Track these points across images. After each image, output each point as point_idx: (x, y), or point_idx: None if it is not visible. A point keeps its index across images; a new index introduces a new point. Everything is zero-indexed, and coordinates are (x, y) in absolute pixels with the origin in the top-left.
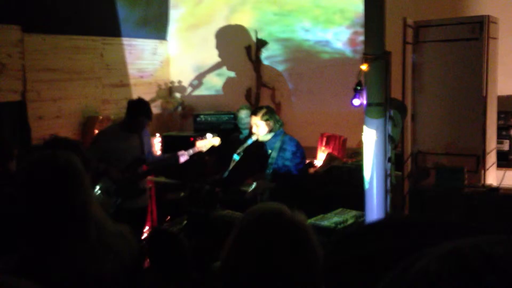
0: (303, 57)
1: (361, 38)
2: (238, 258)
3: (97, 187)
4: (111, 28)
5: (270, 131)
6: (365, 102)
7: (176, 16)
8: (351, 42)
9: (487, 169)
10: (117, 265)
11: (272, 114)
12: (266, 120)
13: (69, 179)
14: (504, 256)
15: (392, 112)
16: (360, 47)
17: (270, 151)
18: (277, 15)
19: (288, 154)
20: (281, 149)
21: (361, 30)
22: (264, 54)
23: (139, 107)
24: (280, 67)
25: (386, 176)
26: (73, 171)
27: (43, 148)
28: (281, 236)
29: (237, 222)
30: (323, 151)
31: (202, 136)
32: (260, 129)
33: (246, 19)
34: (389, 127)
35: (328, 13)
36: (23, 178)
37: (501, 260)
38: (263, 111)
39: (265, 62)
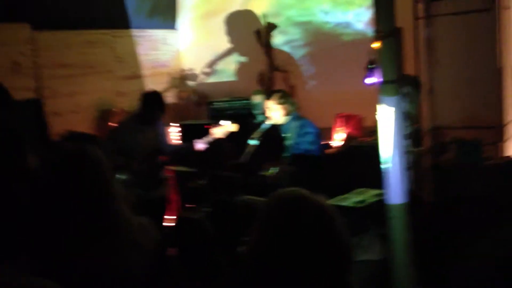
0: (324, 40)
1: None
2: (265, 243)
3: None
4: (120, 20)
5: (286, 115)
6: (378, 80)
7: (186, 4)
8: (373, 22)
9: (506, 141)
10: (143, 258)
11: (287, 97)
12: (282, 104)
13: (99, 173)
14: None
15: (407, 89)
16: None
17: (286, 134)
18: None
19: (306, 137)
20: (299, 132)
21: None
22: (283, 38)
23: (153, 100)
24: (300, 51)
25: (404, 153)
26: (102, 164)
27: (62, 143)
28: (306, 220)
29: (262, 207)
30: (340, 131)
31: (216, 123)
32: (276, 113)
33: (263, 4)
34: (405, 104)
35: None
36: (50, 173)
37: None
38: (279, 95)
39: (285, 47)
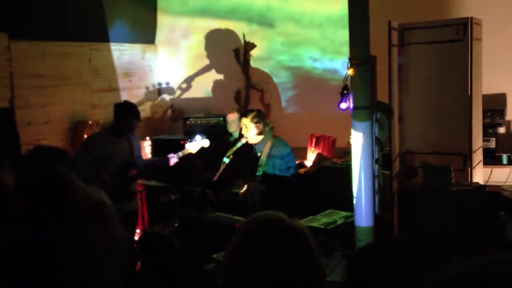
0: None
1: None
2: (241, 264)
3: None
4: (98, 34)
5: (259, 134)
6: (351, 105)
7: (166, 19)
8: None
9: (474, 167)
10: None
11: (262, 117)
12: (256, 123)
13: (65, 194)
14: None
15: (378, 115)
16: None
17: (259, 153)
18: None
19: (277, 157)
20: (271, 152)
21: None
22: (275, 80)
23: (125, 109)
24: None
25: (373, 177)
26: (66, 184)
27: (28, 158)
28: (282, 242)
29: (238, 229)
30: (312, 152)
31: (191, 138)
32: (250, 131)
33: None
34: (376, 130)
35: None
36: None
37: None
38: (253, 113)
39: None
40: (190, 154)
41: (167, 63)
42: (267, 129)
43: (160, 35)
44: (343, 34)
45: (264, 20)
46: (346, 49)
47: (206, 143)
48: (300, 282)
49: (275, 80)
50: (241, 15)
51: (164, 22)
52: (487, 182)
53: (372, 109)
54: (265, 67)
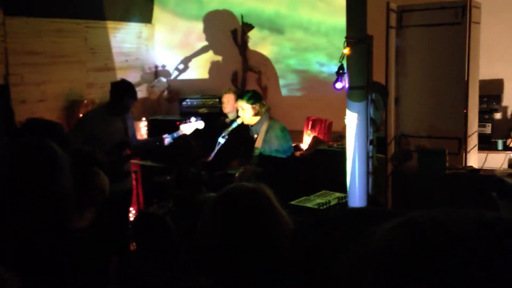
0: (319, 85)
1: None
2: (206, 230)
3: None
4: (95, 12)
5: (256, 115)
6: (347, 85)
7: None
8: None
9: (469, 152)
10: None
11: (258, 98)
12: (252, 104)
13: (52, 168)
14: (455, 220)
15: (374, 95)
16: None
17: (255, 135)
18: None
19: (274, 139)
20: (267, 134)
21: None
22: (282, 82)
23: (123, 88)
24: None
25: (367, 158)
26: (56, 159)
27: (21, 131)
28: (241, 204)
29: (206, 205)
30: (308, 135)
31: (186, 119)
32: (246, 112)
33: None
34: (371, 110)
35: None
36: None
37: (451, 223)
38: (249, 94)
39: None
40: (184, 135)
41: (165, 44)
42: (263, 110)
43: (157, 14)
44: None
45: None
46: None
47: (200, 125)
48: (262, 242)
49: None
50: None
51: (162, 1)
52: (482, 167)
53: (368, 90)
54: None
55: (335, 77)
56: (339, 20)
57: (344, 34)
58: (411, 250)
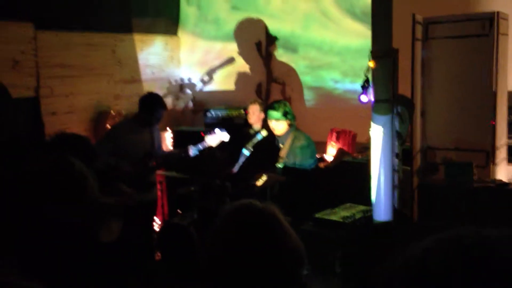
0: (334, 101)
1: None
2: (216, 249)
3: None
4: (123, 25)
5: (289, 126)
6: (372, 99)
7: (189, 11)
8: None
9: (497, 164)
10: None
11: (290, 109)
12: (288, 119)
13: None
14: (499, 238)
15: (399, 109)
16: None
17: (281, 145)
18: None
19: (298, 150)
20: (293, 145)
21: None
22: (295, 96)
23: (154, 100)
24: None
25: (393, 171)
26: (78, 176)
27: (50, 145)
28: (249, 225)
29: (217, 218)
30: (333, 146)
31: (211, 131)
32: (279, 126)
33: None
34: (397, 123)
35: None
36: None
37: (496, 241)
38: (286, 109)
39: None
40: (210, 147)
41: (190, 55)
42: (292, 121)
43: (183, 26)
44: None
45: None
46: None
47: (225, 137)
48: (272, 264)
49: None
50: None
51: (188, 13)
52: (511, 180)
53: (393, 103)
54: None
55: (349, 93)
56: (352, 41)
57: (357, 54)
58: (453, 262)
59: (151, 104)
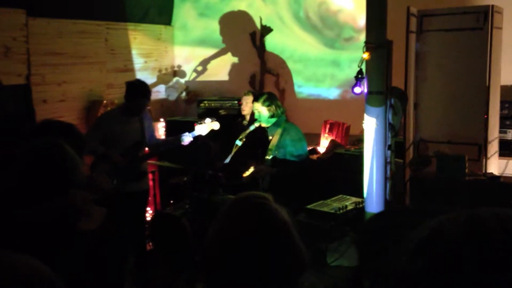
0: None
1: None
2: (220, 247)
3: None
4: (115, 13)
5: (272, 117)
6: (365, 90)
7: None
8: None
9: (489, 158)
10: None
11: (273, 100)
12: (267, 106)
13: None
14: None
15: (392, 101)
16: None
17: (270, 137)
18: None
19: (289, 142)
20: (282, 136)
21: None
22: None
23: (136, 89)
24: None
25: (385, 163)
26: (67, 159)
27: (37, 132)
28: (260, 229)
29: (224, 210)
30: (326, 138)
31: (201, 120)
32: (261, 114)
33: None
34: (390, 115)
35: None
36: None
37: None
38: (264, 96)
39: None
40: (201, 136)
41: (184, 45)
42: (279, 112)
43: (177, 16)
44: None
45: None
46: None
47: (216, 125)
48: (276, 269)
49: None
50: None
51: (182, 3)
52: (502, 173)
53: (387, 95)
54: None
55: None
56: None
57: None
58: (468, 234)
59: (133, 92)
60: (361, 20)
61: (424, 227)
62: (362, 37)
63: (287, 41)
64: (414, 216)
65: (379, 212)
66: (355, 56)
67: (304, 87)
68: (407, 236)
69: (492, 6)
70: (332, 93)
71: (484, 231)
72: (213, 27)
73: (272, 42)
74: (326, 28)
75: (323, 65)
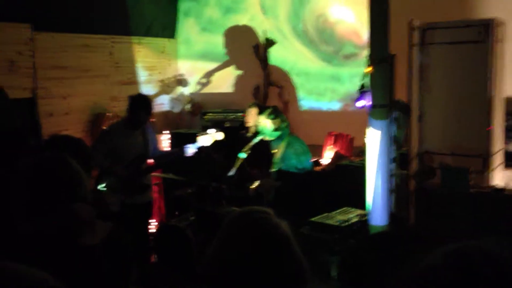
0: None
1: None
2: (222, 259)
3: (103, 184)
4: (120, 27)
5: (276, 130)
6: (369, 103)
7: (187, 14)
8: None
9: (494, 170)
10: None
11: (278, 113)
12: (272, 119)
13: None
14: (501, 253)
15: (396, 114)
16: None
17: (275, 150)
18: None
19: (293, 155)
20: (287, 149)
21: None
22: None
23: (137, 102)
24: None
25: (390, 176)
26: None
27: (45, 147)
28: (262, 244)
29: (226, 224)
30: (330, 150)
31: (203, 131)
32: (266, 127)
33: None
34: (394, 128)
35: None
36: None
37: (498, 256)
38: (269, 110)
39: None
40: (204, 147)
41: (188, 58)
42: (283, 125)
43: (180, 29)
44: (325, 84)
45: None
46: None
47: (220, 136)
48: (277, 282)
49: None
50: None
51: (185, 17)
52: (508, 185)
53: (390, 108)
54: None
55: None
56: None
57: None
58: (459, 279)
59: (134, 106)
60: (361, 36)
61: (414, 273)
62: (362, 53)
63: (288, 55)
64: (404, 245)
65: (367, 240)
66: (356, 71)
67: (306, 100)
68: (395, 276)
69: (494, 19)
70: (334, 107)
71: (474, 278)
72: (215, 41)
73: (274, 55)
74: (324, 43)
75: (323, 79)
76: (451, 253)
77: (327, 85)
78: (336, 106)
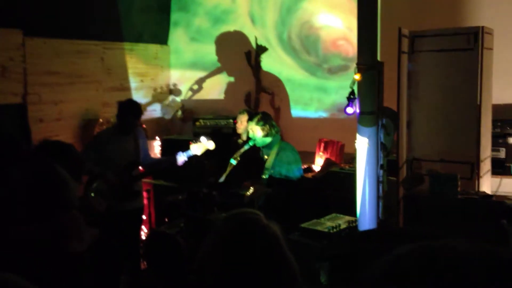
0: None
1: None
2: (212, 263)
3: (92, 190)
4: (112, 33)
5: (266, 136)
6: (358, 110)
7: (179, 20)
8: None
9: (482, 177)
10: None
11: (267, 119)
12: (262, 126)
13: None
14: (468, 250)
15: (384, 121)
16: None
17: (266, 156)
18: None
19: (284, 161)
20: (278, 156)
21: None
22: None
23: (126, 108)
24: None
25: (378, 182)
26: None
27: (36, 152)
28: (253, 243)
29: (215, 228)
30: (321, 156)
31: (196, 139)
32: (256, 134)
33: None
34: (382, 135)
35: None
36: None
37: (464, 250)
38: (258, 116)
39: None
40: (195, 155)
41: (179, 64)
42: (273, 131)
43: (173, 36)
44: (311, 94)
45: None
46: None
47: (211, 145)
48: (268, 281)
49: None
50: None
51: (177, 23)
52: (496, 192)
53: (378, 115)
54: None
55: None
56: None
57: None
58: (421, 271)
59: (123, 111)
60: (347, 48)
61: (383, 263)
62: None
63: (274, 64)
64: (382, 242)
65: (347, 236)
66: (342, 84)
67: (293, 109)
68: (371, 268)
69: (483, 27)
70: (320, 117)
71: (437, 269)
72: (204, 50)
73: (263, 64)
74: (306, 53)
75: (309, 89)
76: (418, 245)
77: (313, 95)
78: (322, 116)
